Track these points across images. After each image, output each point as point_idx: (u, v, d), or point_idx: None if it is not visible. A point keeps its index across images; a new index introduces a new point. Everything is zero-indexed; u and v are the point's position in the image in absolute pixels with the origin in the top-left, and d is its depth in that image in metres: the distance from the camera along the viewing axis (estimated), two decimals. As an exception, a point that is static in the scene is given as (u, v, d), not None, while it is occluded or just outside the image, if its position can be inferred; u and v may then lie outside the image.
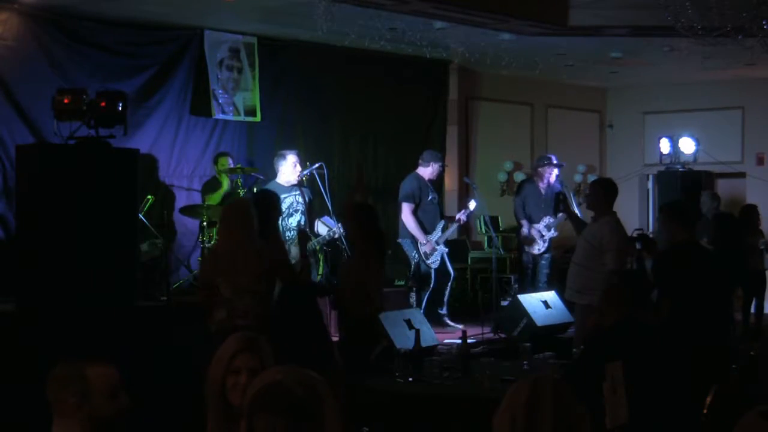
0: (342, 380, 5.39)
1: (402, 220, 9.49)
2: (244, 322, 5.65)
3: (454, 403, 5.56)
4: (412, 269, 9.52)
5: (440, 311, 9.46)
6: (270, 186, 8.74)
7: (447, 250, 9.63)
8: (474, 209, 10.11)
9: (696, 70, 12.28)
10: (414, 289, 9.49)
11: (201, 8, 9.29)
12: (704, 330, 6.23)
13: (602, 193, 7.44)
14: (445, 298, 9.52)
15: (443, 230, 9.48)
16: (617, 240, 7.20)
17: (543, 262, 10.30)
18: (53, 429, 3.12)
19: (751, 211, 10.67)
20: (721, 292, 6.98)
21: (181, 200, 9.82)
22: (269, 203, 6.78)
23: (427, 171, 9.59)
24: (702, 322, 6.28)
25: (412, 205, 9.42)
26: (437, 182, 10.33)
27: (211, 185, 9.52)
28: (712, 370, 5.59)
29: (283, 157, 8.91)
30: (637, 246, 7.40)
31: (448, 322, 9.40)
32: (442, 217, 9.70)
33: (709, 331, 6.31)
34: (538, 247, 10.26)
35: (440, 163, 9.64)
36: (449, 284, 9.58)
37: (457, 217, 9.76)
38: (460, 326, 9.25)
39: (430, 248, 9.33)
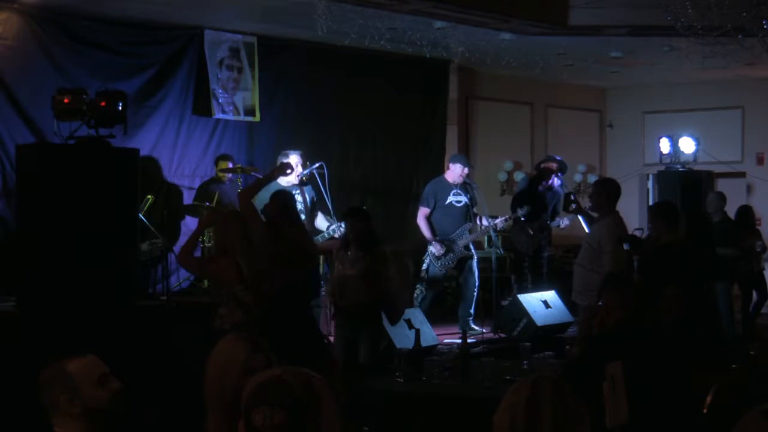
0: (340, 380, 5.39)
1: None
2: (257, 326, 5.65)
3: (454, 403, 5.56)
4: (423, 268, 9.54)
5: (467, 317, 9.40)
6: (270, 184, 8.72)
7: (475, 255, 9.49)
8: (521, 215, 9.97)
9: (696, 70, 12.27)
10: (420, 286, 9.48)
11: (201, 8, 9.30)
12: (694, 331, 6.24)
13: (605, 193, 7.44)
14: (472, 303, 9.45)
15: (466, 234, 9.37)
16: (614, 241, 7.21)
17: (541, 261, 10.26)
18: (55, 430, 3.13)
19: (748, 213, 10.63)
20: (706, 292, 7.00)
21: (183, 200, 9.82)
22: (278, 203, 6.78)
23: (449, 173, 9.55)
24: (690, 323, 6.29)
25: (426, 209, 9.40)
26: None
27: (204, 193, 9.46)
28: (711, 369, 5.60)
29: (286, 156, 8.89)
30: (625, 247, 7.40)
31: (472, 325, 9.37)
32: (469, 220, 9.47)
33: (699, 332, 6.31)
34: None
35: (461, 164, 9.52)
36: (475, 290, 9.43)
37: (486, 224, 9.58)
38: (484, 329, 9.23)
39: (439, 249, 9.27)
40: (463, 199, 9.44)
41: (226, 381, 3.09)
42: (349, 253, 6.71)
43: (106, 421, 3.13)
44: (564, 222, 10.20)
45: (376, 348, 6.72)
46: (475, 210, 9.56)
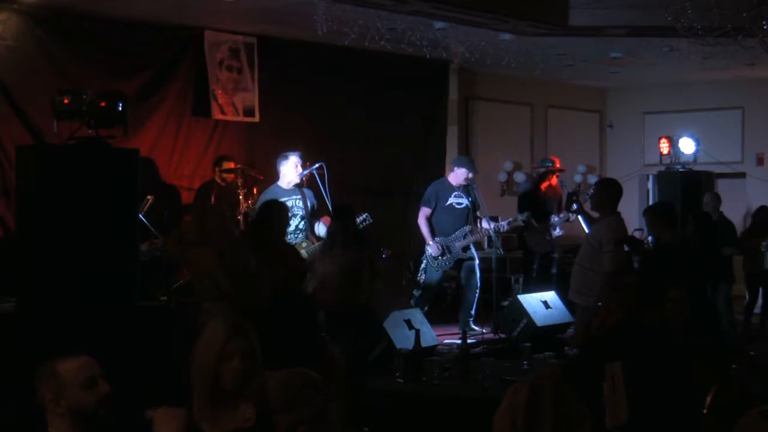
0: (342, 380, 5.39)
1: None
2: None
3: (454, 403, 5.57)
4: (421, 268, 9.55)
5: (467, 318, 9.40)
6: (272, 189, 8.72)
7: (477, 257, 9.46)
8: (521, 220, 9.93)
9: (696, 70, 12.28)
10: (417, 288, 9.48)
11: (201, 8, 9.29)
12: (694, 330, 6.24)
13: (607, 193, 7.45)
14: (473, 305, 9.44)
15: (465, 236, 9.37)
16: (615, 242, 7.21)
17: (551, 261, 10.28)
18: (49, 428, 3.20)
19: (766, 213, 10.64)
20: (706, 292, 7.00)
21: (183, 200, 9.82)
22: (264, 215, 6.77)
23: (452, 175, 9.59)
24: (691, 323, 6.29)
25: (427, 209, 9.45)
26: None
27: (204, 194, 9.44)
28: (711, 369, 5.60)
29: (286, 158, 8.90)
30: (625, 248, 7.40)
31: (473, 325, 9.38)
32: (469, 223, 9.46)
33: (699, 330, 6.32)
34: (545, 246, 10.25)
35: (465, 168, 9.53)
36: (476, 291, 9.40)
37: (487, 226, 9.52)
38: (484, 330, 9.24)
39: (436, 250, 9.29)
40: (464, 201, 9.45)
41: (204, 364, 3.17)
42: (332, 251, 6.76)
43: (93, 423, 3.18)
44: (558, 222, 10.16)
45: (358, 349, 6.63)
46: (477, 213, 9.57)
